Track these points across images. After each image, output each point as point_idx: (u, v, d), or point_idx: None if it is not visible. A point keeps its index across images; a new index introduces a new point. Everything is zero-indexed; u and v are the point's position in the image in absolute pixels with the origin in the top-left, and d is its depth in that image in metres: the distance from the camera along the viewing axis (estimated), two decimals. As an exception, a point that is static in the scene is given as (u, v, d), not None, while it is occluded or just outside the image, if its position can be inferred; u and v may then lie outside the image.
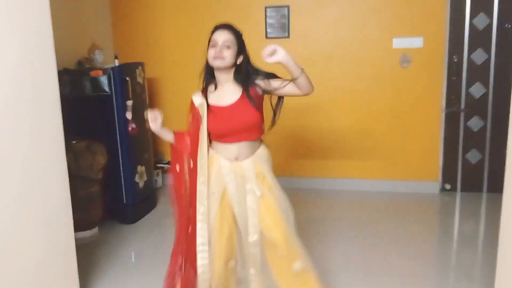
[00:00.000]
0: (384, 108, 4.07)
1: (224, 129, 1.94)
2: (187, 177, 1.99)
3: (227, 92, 1.95)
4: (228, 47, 1.87)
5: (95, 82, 3.43)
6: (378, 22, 3.96)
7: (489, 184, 4.03)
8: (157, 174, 4.30)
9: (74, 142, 3.20)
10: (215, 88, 1.98)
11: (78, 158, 3.19)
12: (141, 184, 3.70)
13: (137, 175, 3.65)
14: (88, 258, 2.94)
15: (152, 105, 4.07)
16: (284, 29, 4.09)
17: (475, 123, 3.98)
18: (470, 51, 3.87)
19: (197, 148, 1.97)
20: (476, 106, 3.94)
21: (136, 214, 3.65)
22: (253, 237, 1.91)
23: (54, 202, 2.21)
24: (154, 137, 4.07)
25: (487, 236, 3.25)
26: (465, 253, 3.03)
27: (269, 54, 1.75)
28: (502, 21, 3.77)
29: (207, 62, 1.95)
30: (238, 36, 1.92)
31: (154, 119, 1.97)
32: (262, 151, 2.02)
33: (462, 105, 3.97)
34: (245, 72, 1.94)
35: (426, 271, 2.77)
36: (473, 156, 4.04)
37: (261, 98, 1.97)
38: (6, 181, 1.91)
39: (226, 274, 2.00)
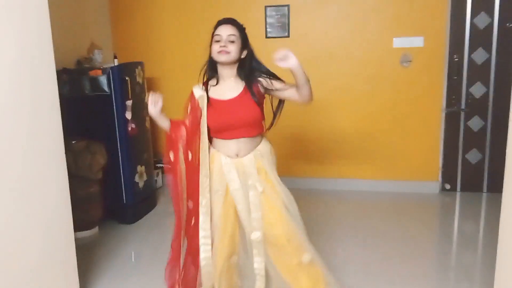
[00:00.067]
0: (384, 107, 4.06)
1: (223, 123, 1.93)
2: (182, 166, 1.97)
3: (229, 87, 1.95)
4: (233, 42, 1.87)
5: (95, 81, 3.43)
6: (379, 22, 3.96)
7: (489, 184, 4.03)
8: (157, 174, 4.30)
9: (73, 142, 3.20)
10: (217, 83, 1.97)
11: (78, 158, 3.19)
12: (141, 184, 3.70)
13: (137, 175, 3.65)
14: (88, 258, 2.93)
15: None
16: (284, 29, 4.09)
17: (475, 123, 3.98)
18: (471, 51, 3.87)
19: (195, 139, 1.96)
20: (477, 106, 3.93)
21: (136, 214, 3.65)
22: (256, 234, 1.90)
23: (54, 202, 2.21)
24: (154, 137, 4.07)
25: (487, 236, 3.24)
26: (465, 253, 3.02)
27: (281, 59, 1.76)
28: (503, 21, 3.76)
29: (209, 58, 1.95)
30: (241, 30, 1.93)
31: (154, 103, 1.94)
32: (263, 146, 2.00)
33: (463, 105, 3.96)
34: (249, 67, 1.94)
35: (426, 271, 2.76)
36: (473, 156, 4.04)
37: (262, 96, 1.97)
38: (6, 181, 1.91)
39: (229, 270, 1.99)
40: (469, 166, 4.06)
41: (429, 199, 4.00)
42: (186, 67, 4.17)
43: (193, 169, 1.97)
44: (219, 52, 1.87)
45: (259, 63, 1.98)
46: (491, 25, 3.79)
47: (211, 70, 1.98)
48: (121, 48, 4.39)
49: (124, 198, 3.58)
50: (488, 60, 3.85)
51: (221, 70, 1.95)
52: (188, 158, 1.98)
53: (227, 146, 1.96)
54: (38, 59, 2.09)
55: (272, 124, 2.06)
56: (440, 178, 4.13)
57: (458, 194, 4.09)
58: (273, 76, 1.97)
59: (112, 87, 3.42)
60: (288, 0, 4.04)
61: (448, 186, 4.13)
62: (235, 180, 1.94)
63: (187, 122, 1.98)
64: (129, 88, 3.52)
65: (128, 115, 3.51)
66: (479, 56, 3.86)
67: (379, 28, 3.96)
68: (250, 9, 4.11)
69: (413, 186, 4.14)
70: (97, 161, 3.28)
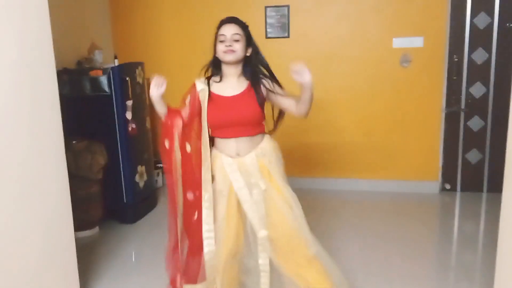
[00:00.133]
0: (384, 107, 4.06)
1: (223, 119, 1.93)
2: (178, 155, 1.96)
3: (232, 85, 1.95)
4: (237, 40, 1.88)
5: (95, 82, 3.43)
6: (378, 22, 3.96)
7: (489, 184, 4.03)
8: (157, 174, 4.30)
9: (74, 142, 3.20)
10: (220, 80, 1.97)
11: (78, 158, 3.20)
12: (141, 184, 3.70)
13: (137, 175, 3.65)
14: (88, 258, 2.94)
15: (152, 105, 4.06)
16: (284, 29, 4.09)
17: (475, 123, 3.98)
18: (471, 51, 3.87)
19: (191, 131, 1.96)
20: (477, 106, 3.94)
21: (136, 214, 3.65)
22: (262, 232, 1.90)
23: (54, 202, 2.22)
24: (154, 137, 4.07)
25: (487, 236, 3.25)
26: (465, 253, 3.02)
27: (297, 72, 1.80)
28: (503, 21, 3.76)
29: (213, 58, 1.95)
30: (245, 28, 1.93)
31: (158, 85, 1.91)
32: (265, 144, 1.99)
33: (462, 105, 3.96)
34: (255, 64, 1.96)
35: (426, 271, 2.77)
36: (473, 156, 4.04)
37: (264, 98, 1.97)
38: (6, 181, 1.91)
39: (232, 267, 1.99)
40: (469, 166, 4.06)
41: (429, 199, 4.01)
42: (186, 67, 4.17)
43: (191, 160, 1.96)
44: (225, 52, 1.87)
45: (263, 60, 1.99)
46: (491, 25, 3.80)
47: (215, 68, 1.98)
48: (122, 49, 4.40)
49: (124, 198, 3.58)
50: (488, 60, 3.85)
51: (226, 69, 1.95)
52: (185, 149, 1.96)
53: (227, 145, 1.96)
54: (38, 59, 2.09)
55: (272, 131, 2.08)
56: (440, 178, 4.13)
57: (458, 194, 4.09)
58: (276, 80, 1.99)
59: (113, 87, 3.42)
60: (288, 0, 4.05)
61: (448, 186, 4.13)
62: (239, 179, 1.93)
63: (183, 112, 1.96)
64: (130, 88, 3.52)
65: (129, 115, 3.51)
66: (479, 56, 3.86)
67: (379, 28, 3.96)
68: (250, 10, 4.11)
69: (413, 186, 4.14)
70: (98, 161, 3.28)
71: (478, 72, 3.88)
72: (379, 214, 3.69)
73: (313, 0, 4.03)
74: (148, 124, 3.86)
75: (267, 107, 2.01)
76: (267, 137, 2.02)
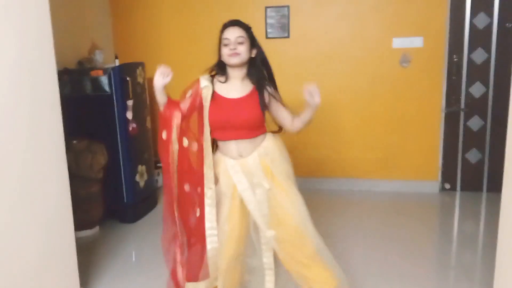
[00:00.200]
0: (383, 107, 4.07)
1: (223, 121, 1.93)
2: (175, 146, 1.94)
3: (236, 87, 1.96)
4: (242, 43, 1.89)
5: (96, 82, 3.44)
6: (378, 22, 3.96)
7: (489, 183, 4.04)
8: (158, 174, 4.31)
9: (74, 141, 3.21)
10: (225, 81, 1.97)
11: (79, 158, 3.20)
12: (141, 184, 3.71)
13: (137, 175, 3.66)
14: (88, 258, 2.94)
15: (152, 105, 4.07)
16: (284, 29, 4.09)
17: (475, 122, 3.98)
18: (470, 51, 3.87)
19: (189, 126, 1.96)
20: (476, 106, 3.94)
21: (136, 213, 3.66)
22: (270, 232, 1.90)
23: (54, 201, 2.22)
24: (155, 137, 4.07)
25: (487, 236, 3.25)
26: (465, 253, 3.03)
27: (310, 92, 1.85)
28: (503, 21, 3.77)
29: (218, 61, 1.96)
30: (248, 30, 1.94)
31: (164, 75, 1.89)
32: (268, 142, 1.99)
33: (462, 105, 3.97)
34: (260, 65, 1.97)
35: (426, 271, 2.77)
36: (473, 155, 4.04)
37: (267, 103, 1.98)
38: (6, 181, 1.92)
39: (236, 268, 1.99)
40: (469, 166, 4.06)
41: (429, 198, 4.01)
42: (186, 67, 4.16)
43: (188, 154, 1.96)
44: (230, 55, 1.88)
45: (267, 63, 2.00)
46: (490, 25, 3.80)
47: (220, 70, 1.98)
48: (122, 49, 4.40)
49: (124, 197, 3.59)
50: (488, 60, 3.86)
51: (231, 71, 1.95)
52: (182, 144, 1.96)
53: (229, 147, 1.97)
54: (38, 59, 2.10)
55: (279, 131, 2.10)
56: (439, 178, 4.13)
57: (457, 194, 4.10)
58: (276, 90, 2.02)
59: (113, 87, 3.43)
60: (288, 0, 4.05)
61: (447, 186, 4.14)
62: (242, 181, 1.93)
63: (182, 105, 1.94)
64: (130, 88, 3.53)
65: (129, 115, 3.52)
66: (479, 56, 3.87)
67: (378, 29, 3.97)
68: (250, 10, 4.11)
69: (412, 185, 4.14)
70: (98, 160, 3.29)
71: (478, 72, 3.89)
72: (378, 213, 3.70)
73: (313, 1, 4.04)
74: (148, 124, 3.87)
75: (267, 116, 2.03)
76: (269, 135, 2.02)
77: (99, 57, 3.75)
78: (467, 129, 4.01)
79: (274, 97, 1.99)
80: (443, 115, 4.02)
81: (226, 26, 1.93)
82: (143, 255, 3.10)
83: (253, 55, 1.95)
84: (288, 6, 4.06)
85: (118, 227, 3.51)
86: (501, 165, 1.82)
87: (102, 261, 2.95)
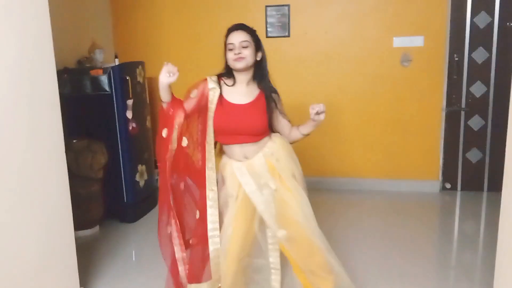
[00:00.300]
0: (384, 107, 4.06)
1: (228, 126, 1.93)
2: (174, 145, 1.94)
3: (243, 92, 1.95)
4: (246, 47, 1.89)
5: (95, 81, 3.44)
6: (379, 21, 3.96)
7: (489, 183, 4.03)
8: (158, 173, 4.30)
9: (74, 141, 3.21)
10: (233, 84, 1.97)
11: (79, 157, 3.20)
12: (141, 183, 3.71)
13: (137, 174, 3.66)
14: (88, 257, 2.94)
15: (152, 104, 4.07)
16: (284, 28, 4.09)
17: (475, 122, 3.98)
18: (471, 50, 3.87)
19: (191, 126, 1.96)
20: (477, 105, 3.93)
21: (136, 213, 3.66)
22: (281, 232, 1.90)
23: (54, 201, 2.22)
24: (154, 136, 4.07)
25: (487, 236, 3.24)
26: (465, 252, 3.02)
27: (317, 111, 1.87)
28: (504, 20, 3.76)
29: (225, 66, 1.96)
30: (253, 33, 1.94)
31: (171, 73, 1.85)
32: (272, 144, 1.98)
33: (463, 104, 3.96)
34: (264, 68, 1.97)
35: (426, 271, 2.76)
36: (474, 155, 4.04)
37: (273, 110, 1.99)
38: (6, 180, 1.91)
39: (238, 271, 1.98)
40: (470, 165, 4.06)
41: (430, 198, 4.01)
42: (187, 67, 4.17)
43: (184, 154, 1.96)
44: (235, 59, 1.88)
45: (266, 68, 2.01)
46: (491, 24, 3.79)
47: (227, 73, 1.98)
48: (122, 48, 4.40)
49: (124, 197, 3.59)
50: (489, 60, 3.85)
51: (237, 75, 1.96)
52: (181, 143, 1.95)
53: (233, 151, 1.97)
54: (38, 58, 2.09)
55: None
56: (440, 177, 4.13)
57: (458, 193, 4.09)
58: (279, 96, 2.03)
59: (113, 87, 3.43)
60: (288, -1, 4.05)
61: (448, 185, 4.13)
62: (249, 182, 1.92)
63: (186, 105, 1.93)
64: (130, 87, 3.53)
65: (129, 114, 3.52)
66: (480, 55, 3.86)
67: (379, 28, 3.96)
68: (250, 9, 4.11)
69: (413, 185, 4.14)
70: (98, 160, 3.28)
71: (479, 71, 3.88)
72: (379, 213, 3.69)
73: (314, 0, 4.03)
74: (148, 123, 3.87)
75: None
76: (275, 135, 2.02)
77: (99, 56, 3.75)
78: (467, 128, 4.00)
79: (277, 104, 1.99)
80: (443, 114, 4.01)
81: (230, 30, 1.93)
82: (143, 255, 3.10)
83: (258, 58, 1.95)
84: (288, 5, 4.05)
85: (118, 227, 3.51)
86: (501, 165, 1.82)
87: (102, 261, 2.95)
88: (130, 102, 3.52)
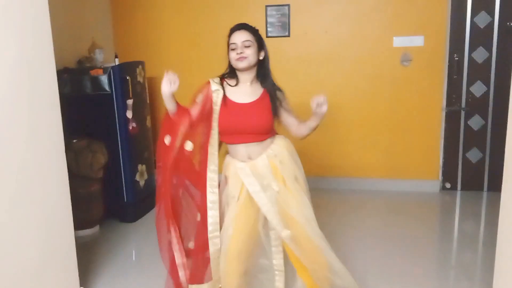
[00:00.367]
0: (384, 106, 4.06)
1: (234, 126, 1.93)
2: (175, 151, 1.93)
3: (247, 91, 1.96)
4: (249, 46, 1.89)
5: (96, 81, 3.44)
6: (379, 21, 3.95)
7: (489, 183, 4.03)
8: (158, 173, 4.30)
9: (74, 141, 3.21)
10: (236, 84, 1.97)
11: (79, 157, 3.20)
12: (141, 183, 3.71)
13: (137, 174, 3.66)
14: (88, 257, 2.94)
15: (153, 104, 4.07)
16: (284, 28, 4.09)
17: (475, 122, 3.98)
18: (471, 50, 3.86)
19: (197, 131, 1.95)
20: (477, 105, 3.93)
21: (136, 212, 3.66)
22: (285, 232, 1.90)
23: (54, 201, 2.22)
24: (154, 136, 4.07)
25: (487, 235, 3.24)
26: (465, 252, 3.02)
27: (318, 103, 1.86)
28: (504, 20, 3.76)
29: (229, 66, 1.97)
30: (255, 33, 1.94)
31: (172, 82, 1.85)
32: (276, 145, 1.99)
33: (463, 104, 3.96)
34: (268, 68, 1.97)
35: (426, 270, 2.76)
36: (474, 155, 4.04)
37: (277, 108, 1.99)
38: (6, 180, 1.92)
39: (240, 272, 1.98)
40: (470, 165, 4.06)
41: (430, 198, 4.01)
42: (187, 67, 4.18)
43: (186, 158, 1.95)
44: (237, 59, 1.89)
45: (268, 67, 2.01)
46: (491, 24, 3.79)
47: (231, 73, 1.99)
48: (122, 48, 4.40)
49: (125, 196, 3.59)
50: (489, 59, 3.85)
51: (240, 75, 1.96)
52: (183, 147, 1.95)
53: (238, 151, 1.97)
54: (38, 58, 2.09)
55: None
56: (440, 177, 4.13)
57: (458, 193, 4.09)
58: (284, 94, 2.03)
59: (113, 86, 3.43)
60: (288, -1, 4.05)
61: (448, 185, 4.13)
62: (253, 183, 1.92)
63: (193, 111, 1.92)
64: (130, 87, 3.53)
65: (129, 114, 3.52)
66: (480, 55, 3.86)
67: (379, 27, 3.96)
68: (250, 9, 4.11)
69: (413, 185, 4.14)
70: (98, 160, 3.28)
71: (479, 71, 3.88)
72: (379, 213, 3.69)
73: (314, 0, 4.03)
74: (148, 123, 3.87)
75: None
76: (278, 137, 2.03)
77: (99, 56, 3.74)
78: (467, 128, 4.00)
79: (282, 102, 1.99)
80: (443, 114, 4.01)
81: (232, 30, 1.93)
82: (143, 255, 3.10)
83: (261, 58, 1.95)
84: (288, 5, 4.05)
85: (118, 227, 3.52)
86: (501, 165, 1.81)
87: (102, 260, 2.95)
88: (130, 102, 3.52)
